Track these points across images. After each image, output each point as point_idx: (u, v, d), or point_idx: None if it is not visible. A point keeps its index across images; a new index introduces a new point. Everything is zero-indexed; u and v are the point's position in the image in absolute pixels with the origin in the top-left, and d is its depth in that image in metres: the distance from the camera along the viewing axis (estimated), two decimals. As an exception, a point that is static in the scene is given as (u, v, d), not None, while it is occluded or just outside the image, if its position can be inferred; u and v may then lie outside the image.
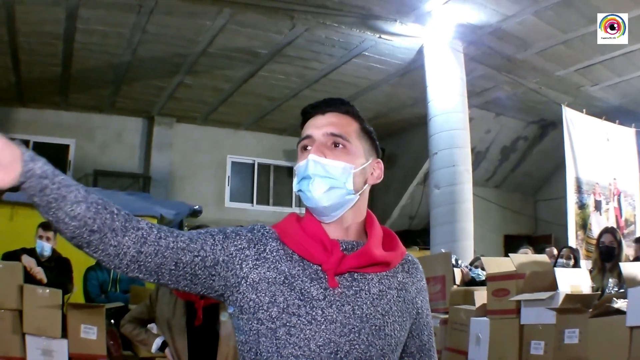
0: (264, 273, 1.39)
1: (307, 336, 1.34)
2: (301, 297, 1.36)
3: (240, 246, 1.41)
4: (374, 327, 1.38)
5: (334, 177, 1.42)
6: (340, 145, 1.45)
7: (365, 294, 1.40)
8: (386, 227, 1.57)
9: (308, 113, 1.52)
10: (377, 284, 1.43)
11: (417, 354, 1.55)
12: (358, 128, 1.51)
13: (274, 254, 1.41)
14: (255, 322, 1.37)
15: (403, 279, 1.51)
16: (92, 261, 5.50)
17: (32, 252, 5.39)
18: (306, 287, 1.37)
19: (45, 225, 5.29)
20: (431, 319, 1.60)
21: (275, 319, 1.35)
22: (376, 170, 1.54)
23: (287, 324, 1.34)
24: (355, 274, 1.42)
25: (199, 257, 1.36)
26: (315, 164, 1.42)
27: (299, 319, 1.34)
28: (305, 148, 1.47)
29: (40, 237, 5.25)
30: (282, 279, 1.38)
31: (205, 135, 12.64)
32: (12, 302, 4.16)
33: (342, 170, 1.43)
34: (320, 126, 1.47)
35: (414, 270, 1.55)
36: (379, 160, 1.56)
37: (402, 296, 1.48)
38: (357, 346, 1.36)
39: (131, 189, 11.06)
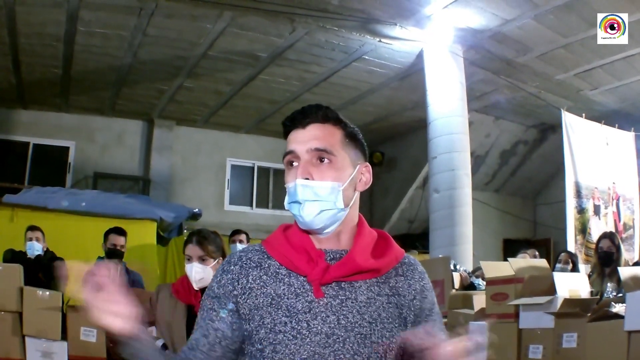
0: (252, 302, 1.42)
1: (291, 351, 1.36)
2: (287, 314, 1.39)
3: (230, 293, 1.46)
4: (359, 335, 1.38)
5: (323, 199, 1.42)
6: (326, 160, 1.44)
7: (352, 302, 1.41)
8: (382, 231, 1.56)
9: (287, 126, 1.50)
10: (365, 292, 1.43)
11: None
12: (341, 135, 1.49)
13: (257, 281, 1.44)
14: (250, 346, 1.42)
15: (396, 283, 1.49)
16: (89, 263, 5.53)
17: (22, 255, 5.48)
18: (292, 304, 1.39)
19: (33, 227, 5.68)
20: (438, 316, 1.57)
21: (262, 340, 1.39)
22: (365, 175, 1.53)
23: (273, 342, 1.37)
24: (343, 283, 1.42)
25: (224, 341, 1.45)
26: (304, 188, 1.41)
27: (284, 335, 1.37)
28: (290, 163, 1.47)
29: (30, 239, 5.60)
30: (269, 300, 1.41)
31: (205, 138, 12.65)
32: (12, 304, 4.16)
33: (331, 190, 1.42)
34: (303, 141, 1.45)
35: (411, 272, 1.53)
36: (367, 163, 1.54)
37: (394, 302, 1.46)
38: (341, 356, 1.36)
39: (131, 192, 11.05)
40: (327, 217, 1.43)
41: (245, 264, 1.47)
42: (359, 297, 1.42)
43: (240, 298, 1.43)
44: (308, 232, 1.47)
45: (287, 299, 1.40)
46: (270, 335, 1.38)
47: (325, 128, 1.47)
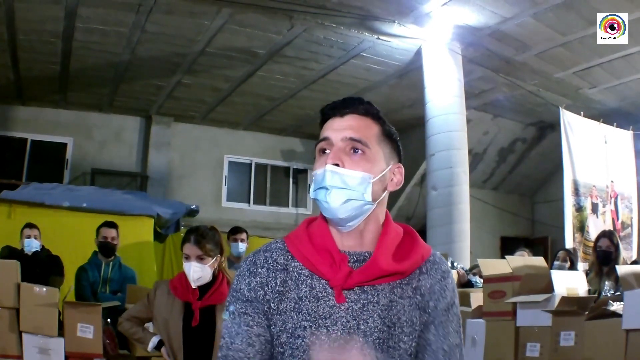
0: (276, 307, 1.40)
1: (309, 356, 1.35)
2: (308, 318, 1.37)
3: (263, 298, 1.42)
4: (377, 340, 1.37)
5: (351, 189, 1.38)
6: (359, 151, 1.41)
7: (373, 306, 1.38)
8: (407, 226, 1.53)
9: (326, 114, 1.47)
10: (387, 294, 1.40)
11: (420, 353, 1.44)
12: (379, 131, 1.45)
13: (284, 285, 1.42)
14: (273, 350, 1.41)
15: (419, 282, 1.45)
16: (84, 260, 5.54)
17: (19, 251, 5.49)
18: (313, 308, 1.38)
19: (31, 225, 5.72)
20: (455, 317, 1.51)
21: (283, 344, 1.38)
22: (396, 176, 1.49)
23: (292, 346, 1.36)
24: (365, 287, 1.39)
25: (268, 345, 1.40)
26: (333, 174, 1.38)
27: (302, 341, 1.36)
28: (323, 151, 1.43)
29: (28, 237, 5.63)
30: (293, 305, 1.39)
31: (203, 134, 12.66)
32: (9, 300, 4.15)
33: (361, 180, 1.39)
34: (338, 129, 1.42)
35: (434, 270, 1.48)
36: (400, 164, 1.51)
37: (415, 303, 1.43)
38: None
39: (129, 188, 11.06)
40: (352, 208, 1.39)
41: (272, 266, 1.44)
42: (381, 300, 1.39)
43: (272, 303, 1.41)
44: (331, 223, 1.44)
45: (309, 302, 1.38)
46: (291, 340, 1.36)
47: (362, 120, 1.44)
